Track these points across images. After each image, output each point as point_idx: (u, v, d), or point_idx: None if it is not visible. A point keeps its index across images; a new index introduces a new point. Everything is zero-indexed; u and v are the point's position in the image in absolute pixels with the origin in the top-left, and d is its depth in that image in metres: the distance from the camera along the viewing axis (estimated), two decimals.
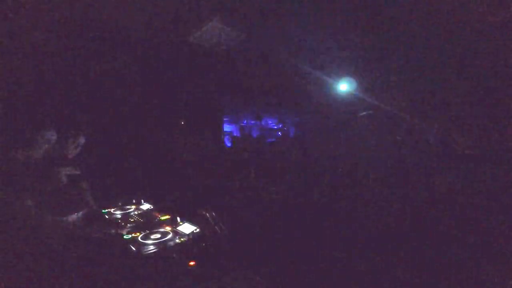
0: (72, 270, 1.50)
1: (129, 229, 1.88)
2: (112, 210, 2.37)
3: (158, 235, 1.72)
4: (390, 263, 2.80)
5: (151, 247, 1.57)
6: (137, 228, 1.88)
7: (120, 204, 2.54)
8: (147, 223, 2.00)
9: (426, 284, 2.51)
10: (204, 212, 2.05)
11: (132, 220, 2.10)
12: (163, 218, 2.11)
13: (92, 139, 2.90)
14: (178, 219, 1.98)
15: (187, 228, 1.85)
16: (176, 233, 1.77)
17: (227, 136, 8.48)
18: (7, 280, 1.32)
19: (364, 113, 2.82)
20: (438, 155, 3.41)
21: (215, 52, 2.99)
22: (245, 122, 9.51)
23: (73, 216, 2.02)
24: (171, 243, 1.63)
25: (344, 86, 3.78)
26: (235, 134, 9.19)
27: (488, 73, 3.90)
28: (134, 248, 1.57)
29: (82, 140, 2.55)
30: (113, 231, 1.83)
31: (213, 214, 2.04)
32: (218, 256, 1.76)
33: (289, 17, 2.44)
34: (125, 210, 2.36)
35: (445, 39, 2.95)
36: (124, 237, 1.74)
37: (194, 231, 1.79)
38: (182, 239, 1.68)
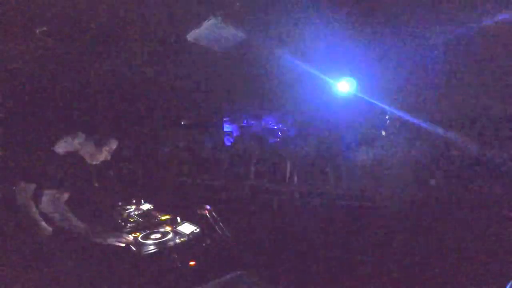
0: (73, 270, 1.50)
1: (129, 229, 1.88)
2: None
3: (158, 235, 1.72)
4: (389, 263, 2.80)
5: (151, 247, 1.57)
6: (137, 228, 1.87)
7: (120, 204, 2.54)
8: (147, 223, 2.00)
9: (426, 284, 2.51)
10: (204, 212, 2.05)
11: (132, 220, 2.10)
12: (163, 218, 2.11)
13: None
14: (178, 219, 1.98)
15: (187, 228, 1.85)
16: (176, 233, 1.77)
17: (227, 136, 8.47)
18: (8, 279, 1.32)
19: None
20: (440, 154, 3.40)
21: (215, 52, 2.99)
22: (245, 122, 9.51)
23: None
24: (171, 243, 1.63)
25: (344, 86, 3.77)
26: (235, 134, 9.19)
27: (489, 73, 3.90)
28: (134, 248, 1.57)
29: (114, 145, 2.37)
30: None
31: (213, 214, 2.04)
32: (218, 256, 1.76)
33: (289, 17, 2.44)
34: (125, 210, 2.36)
35: (447, 38, 2.95)
36: None
37: (194, 231, 1.78)
38: (182, 239, 1.67)
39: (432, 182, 2.62)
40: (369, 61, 3.55)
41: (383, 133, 2.81)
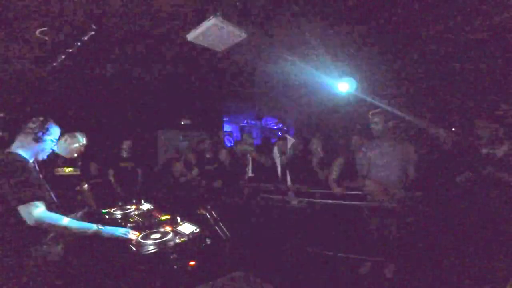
0: (73, 270, 1.50)
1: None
2: (112, 210, 2.37)
3: (158, 235, 1.72)
4: (389, 263, 2.80)
5: (151, 247, 1.57)
6: (137, 228, 1.88)
7: (120, 204, 2.54)
8: (147, 223, 2.00)
9: (424, 284, 2.51)
10: (204, 212, 2.05)
11: (132, 220, 2.10)
12: (163, 218, 2.10)
13: (92, 139, 2.91)
14: (178, 219, 1.98)
15: (187, 228, 1.85)
16: (176, 233, 1.77)
17: (227, 136, 8.48)
18: (9, 276, 1.33)
19: (376, 111, 2.80)
20: (438, 154, 3.41)
21: (215, 52, 2.99)
22: (245, 122, 9.52)
23: (74, 217, 2.02)
24: (171, 243, 1.63)
25: (344, 86, 3.77)
26: (235, 134, 9.20)
27: (488, 73, 3.90)
28: (134, 248, 1.57)
29: (84, 141, 2.56)
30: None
31: (213, 214, 2.04)
32: (218, 256, 1.76)
33: (289, 17, 2.44)
34: (125, 210, 2.36)
35: (446, 38, 2.95)
36: None
37: (194, 231, 1.78)
38: (182, 239, 1.67)
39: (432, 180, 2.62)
40: (369, 61, 3.56)
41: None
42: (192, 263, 1.55)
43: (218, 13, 2.28)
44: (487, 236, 2.51)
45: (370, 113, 2.85)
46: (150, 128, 6.31)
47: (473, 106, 4.74)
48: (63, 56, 2.84)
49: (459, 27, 2.67)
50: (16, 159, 1.48)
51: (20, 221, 1.35)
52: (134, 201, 2.59)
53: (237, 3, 2.17)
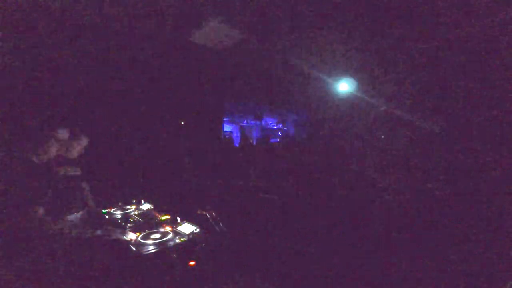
0: (73, 270, 1.50)
1: (129, 229, 1.88)
2: (112, 210, 2.37)
3: (158, 235, 1.72)
4: (389, 263, 2.80)
5: (151, 247, 1.57)
6: (137, 228, 1.87)
7: (120, 204, 2.54)
8: (147, 223, 2.00)
9: (425, 284, 2.51)
10: (204, 212, 2.05)
11: (132, 220, 2.10)
12: (163, 218, 2.10)
13: (93, 139, 2.90)
14: (178, 219, 1.98)
15: (187, 228, 1.85)
16: (176, 233, 1.77)
17: (227, 136, 8.47)
18: (12, 277, 1.33)
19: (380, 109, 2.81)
20: (439, 152, 3.41)
21: (216, 52, 2.99)
22: (245, 122, 9.52)
23: (74, 217, 2.02)
24: (171, 243, 1.63)
25: (344, 86, 3.78)
26: (235, 134, 9.20)
27: (488, 72, 3.90)
28: (134, 248, 1.57)
29: (85, 141, 2.55)
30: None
31: (213, 214, 2.04)
32: (218, 256, 1.76)
33: (289, 17, 2.44)
34: (125, 210, 2.36)
35: (446, 37, 2.95)
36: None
37: (194, 231, 1.78)
38: (182, 239, 1.67)
39: (430, 185, 2.62)
40: (369, 61, 3.55)
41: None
42: (192, 263, 1.55)
43: (218, 14, 2.28)
44: (487, 236, 2.51)
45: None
46: (150, 128, 6.30)
47: (472, 105, 4.72)
48: (64, 56, 2.85)
49: (460, 25, 2.67)
50: None
51: None
52: (134, 201, 2.59)
53: (237, 3, 2.17)
